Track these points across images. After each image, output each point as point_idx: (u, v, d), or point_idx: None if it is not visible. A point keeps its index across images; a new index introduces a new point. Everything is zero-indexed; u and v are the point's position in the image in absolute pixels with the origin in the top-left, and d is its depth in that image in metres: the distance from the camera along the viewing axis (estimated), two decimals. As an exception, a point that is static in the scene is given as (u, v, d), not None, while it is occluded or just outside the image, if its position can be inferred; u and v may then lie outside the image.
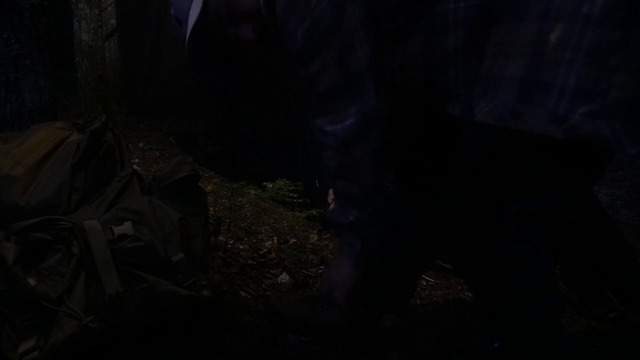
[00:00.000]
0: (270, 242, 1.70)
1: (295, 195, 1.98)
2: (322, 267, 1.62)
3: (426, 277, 1.64)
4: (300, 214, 1.95)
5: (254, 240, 1.71)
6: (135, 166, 1.99)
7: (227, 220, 1.66)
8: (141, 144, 2.58)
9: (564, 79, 0.69)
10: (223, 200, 1.93)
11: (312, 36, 0.81)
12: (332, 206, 1.03)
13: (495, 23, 0.75)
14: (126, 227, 0.94)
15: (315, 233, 1.86)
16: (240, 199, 1.95)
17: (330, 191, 1.12)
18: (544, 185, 0.83)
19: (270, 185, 2.02)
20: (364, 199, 0.95)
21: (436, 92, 0.86)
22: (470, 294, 1.53)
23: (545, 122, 0.70)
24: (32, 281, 0.84)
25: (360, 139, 0.88)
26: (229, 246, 1.59)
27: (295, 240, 1.77)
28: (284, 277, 1.50)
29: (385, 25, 0.84)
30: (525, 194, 0.84)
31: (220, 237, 1.51)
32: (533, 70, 0.71)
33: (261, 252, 1.64)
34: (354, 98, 0.84)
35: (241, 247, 1.64)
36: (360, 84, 0.84)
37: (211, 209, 1.81)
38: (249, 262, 1.55)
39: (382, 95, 0.87)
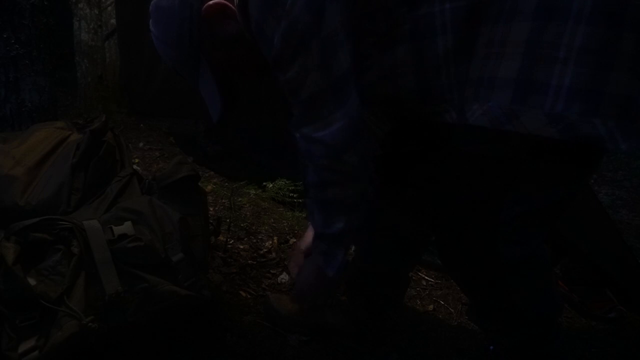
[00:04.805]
0: (270, 242, 1.70)
1: (295, 195, 1.98)
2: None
3: (426, 277, 1.65)
4: (300, 214, 1.94)
5: (254, 240, 1.71)
6: (135, 166, 1.99)
7: (227, 220, 1.66)
8: (141, 144, 2.58)
9: (559, 78, 0.68)
10: (223, 200, 1.93)
11: (290, 39, 0.76)
12: (314, 218, 0.99)
13: (484, 23, 0.73)
14: (126, 227, 0.94)
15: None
16: (240, 199, 1.95)
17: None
18: (539, 185, 0.83)
19: (270, 185, 2.02)
20: (355, 203, 0.93)
21: (429, 99, 0.83)
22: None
23: (543, 123, 0.70)
24: (32, 281, 0.84)
25: (351, 143, 0.84)
26: (229, 246, 1.59)
27: (295, 240, 1.76)
28: (284, 277, 1.50)
29: (368, 29, 0.80)
30: (521, 195, 0.83)
31: (220, 237, 1.51)
32: (527, 71, 0.70)
33: (261, 252, 1.64)
34: (338, 102, 0.80)
35: (241, 247, 1.64)
36: (344, 87, 0.80)
37: (211, 209, 1.81)
38: (249, 262, 1.55)
39: (368, 103, 0.84)
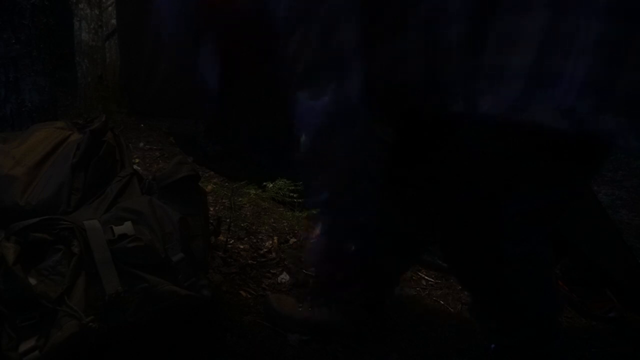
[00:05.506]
0: (271, 242, 1.70)
1: (295, 195, 1.98)
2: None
3: (426, 277, 1.65)
4: (300, 214, 1.94)
5: (254, 240, 1.71)
6: (135, 166, 1.99)
7: (227, 220, 1.66)
8: (141, 144, 2.58)
9: (572, 71, 0.67)
10: (223, 200, 1.93)
11: (294, 7, 0.76)
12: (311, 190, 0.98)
13: (498, 13, 0.71)
14: (126, 227, 0.94)
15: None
16: (240, 199, 1.95)
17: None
18: (543, 183, 0.82)
19: (270, 185, 2.01)
20: (347, 186, 0.91)
21: (437, 90, 0.81)
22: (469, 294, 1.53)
23: (553, 116, 0.69)
24: (32, 281, 0.84)
25: (340, 122, 0.83)
26: (229, 246, 1.59)
27: (295, 240, 1.77)
28: (284, 277, 1.50)
29: (379, 14, 0.78)
30: (522, 193, 0.83)
31: (220, 237, 1.51)
32: (540, 62, 0.69)
33: (261, 252, 1.64)
34: (334, 76, 0.79)
35: (241, 247, 1.64)
36: (345, 61, 0.78)
37: (211, 209, 1.81)
38: (249, 262, 1.55)
39: (372, 95, 0.82)
